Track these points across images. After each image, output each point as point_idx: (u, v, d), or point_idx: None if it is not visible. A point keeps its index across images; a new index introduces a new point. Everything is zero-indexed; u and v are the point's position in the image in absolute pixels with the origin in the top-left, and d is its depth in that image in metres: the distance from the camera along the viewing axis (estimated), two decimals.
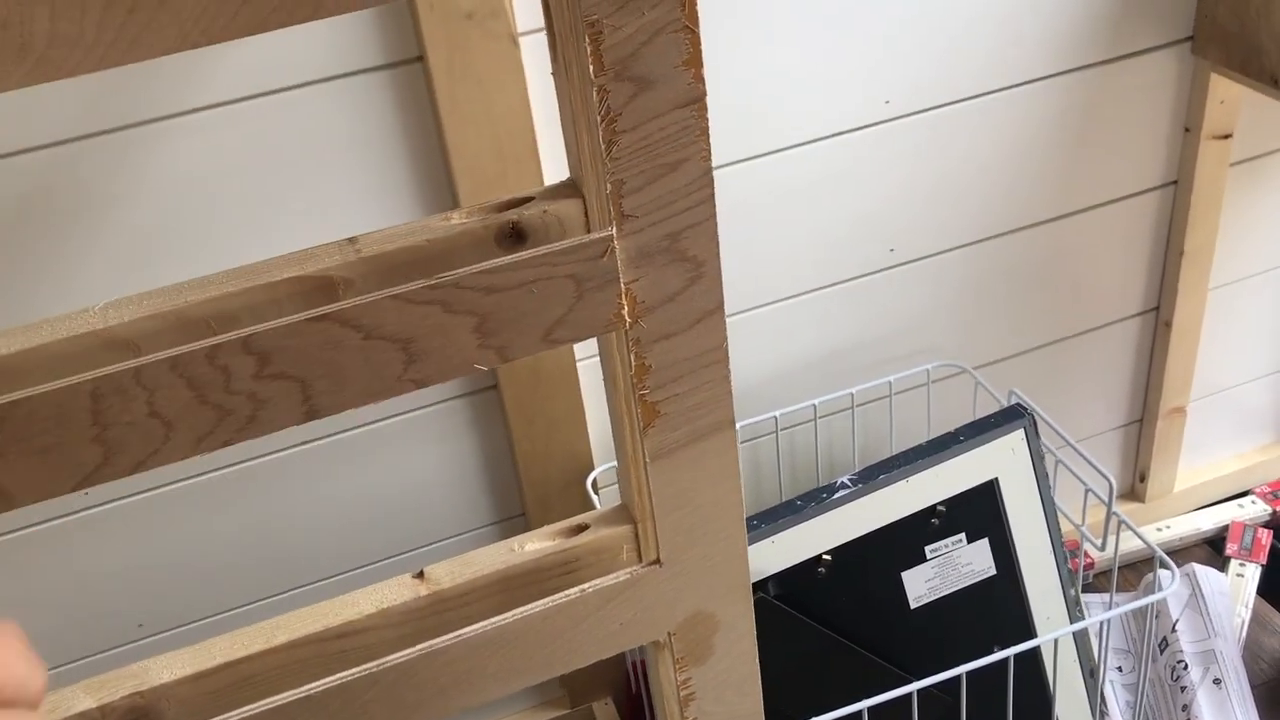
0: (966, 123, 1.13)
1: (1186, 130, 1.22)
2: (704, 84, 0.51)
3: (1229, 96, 1.19)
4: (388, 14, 0.90)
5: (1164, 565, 0.95)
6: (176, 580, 1.09)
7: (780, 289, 1.15)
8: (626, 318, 0.56)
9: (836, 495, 0.92)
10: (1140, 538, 0.98)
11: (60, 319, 0.52)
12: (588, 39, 0.49)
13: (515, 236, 0.57)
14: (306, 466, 1.08)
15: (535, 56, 0.94)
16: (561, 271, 0.54)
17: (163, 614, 1.10)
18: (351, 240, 0.55)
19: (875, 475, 0.93)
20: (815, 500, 0.92)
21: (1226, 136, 1.22)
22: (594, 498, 1.13)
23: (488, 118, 0.94)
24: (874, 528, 0.94)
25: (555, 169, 0.99)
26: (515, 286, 0.54)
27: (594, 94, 0.50)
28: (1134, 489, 1.48)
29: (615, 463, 1.15)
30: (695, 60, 0.51)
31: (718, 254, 0.56)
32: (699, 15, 0.50)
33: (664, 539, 0.64)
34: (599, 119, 0.51)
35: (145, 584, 1.08)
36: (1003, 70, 1.11)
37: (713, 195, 0.55)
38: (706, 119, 0.52)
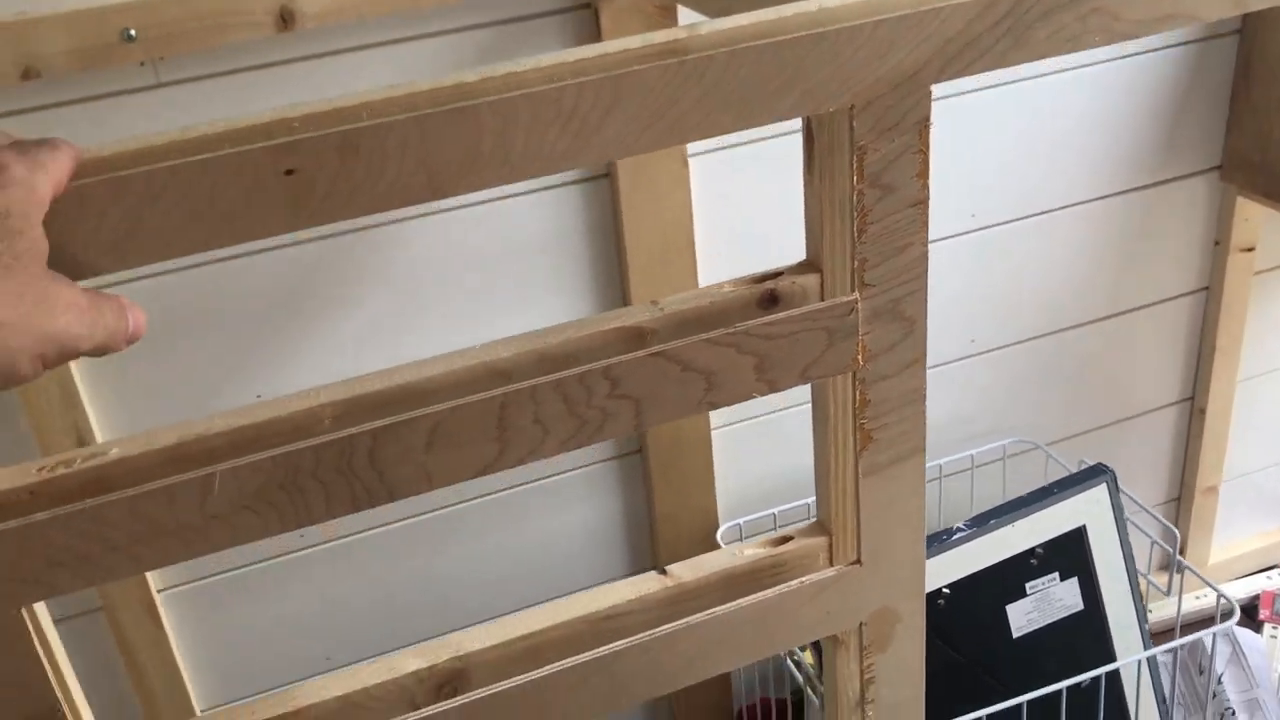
0: (1036, 234, 1.34)
1: (1216, 243, 1.43)
2: (929, 190, 0.71)
3: (1253, 215, 1.40)
4: None
5: (1223, 598, 1.13)
6: (357, 619, 1.25)
7: None
8: (860, 361, 0.75)
9: (955, 537, 1.10)
10: (1203, 580, 1.15)
11: (454, 354, 0.70)
12: (855, 157, 0.69)
13: (771, 300, 0.76)
14: (463, 523, 1.25)
15: (700, 174, 1.15)
16: (819, 325, 0.73)
17: (346, 649, 1.26)
18: (655, 302, 0.74)
19: (987, 521, 1.11)
20: (937, 541, 1.10)
21: (1250, 249, 1.43)
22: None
23: (658, 222, 1.15)
24: (984, 565, 1.11)
25: (709, 264, 1.19)
26: (785, 335, 0.72)
27: (854, 196, 0.70)
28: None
29: (737, 520, 1.33)
30: (924, 172, 0.70)
31: (925, 315, 0.75)
32: (930, 142, 0.70)
33: (865, 542, 0.82)
34: (855, 214, 0.70)
35: (334, 622, 1.24)
36: (1064, 192, 1.33)
37: (926, 270, 0.74)
38: (928, 215, 0.72)
